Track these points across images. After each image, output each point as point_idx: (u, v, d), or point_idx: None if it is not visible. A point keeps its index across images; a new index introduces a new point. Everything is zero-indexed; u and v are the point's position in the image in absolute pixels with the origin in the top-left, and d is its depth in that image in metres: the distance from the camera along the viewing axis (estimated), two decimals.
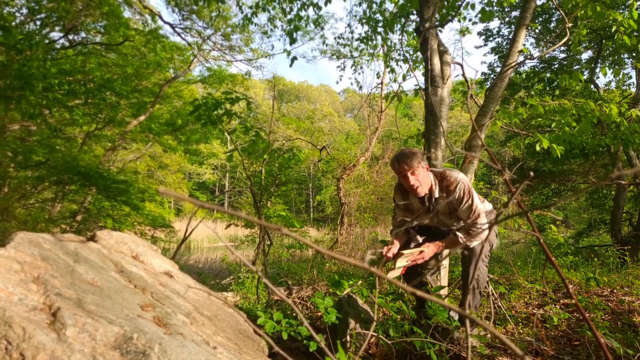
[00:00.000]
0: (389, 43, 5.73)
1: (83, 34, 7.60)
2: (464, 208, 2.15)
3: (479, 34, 9.03)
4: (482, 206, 2.23)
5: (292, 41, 4.87)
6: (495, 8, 4.80)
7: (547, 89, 7.94)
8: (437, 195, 2.18)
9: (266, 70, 51.32)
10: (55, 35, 7.31)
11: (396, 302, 2.30)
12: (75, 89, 5.33)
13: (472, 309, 2.25)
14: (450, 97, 3.32)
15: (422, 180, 2.10)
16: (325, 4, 4.60)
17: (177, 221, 13.65)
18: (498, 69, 7.12)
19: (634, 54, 6.71)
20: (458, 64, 3.24)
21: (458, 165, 3.01)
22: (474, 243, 2.18)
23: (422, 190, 2.13)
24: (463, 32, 5.36)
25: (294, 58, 4.98)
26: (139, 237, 1.86)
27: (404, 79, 5.03)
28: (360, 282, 2.60)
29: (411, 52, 5.45)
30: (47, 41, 6.62)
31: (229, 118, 3.73)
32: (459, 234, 2.18)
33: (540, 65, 8.37)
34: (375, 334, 2.03)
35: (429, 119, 2.96)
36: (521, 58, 3.18)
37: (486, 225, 2.12)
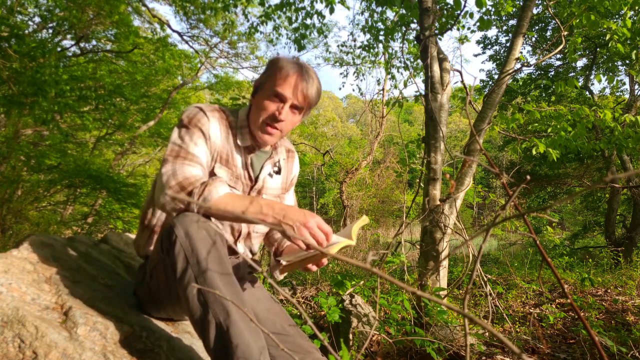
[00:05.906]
0: (390, 51, 5.73)
1: (94, 42, 7.71)
2: (291, 192, 1.39)
3: (478, 42, 9.12)
4: None
5: (300, 48, 4.93)
6: (493, 17, 4.92)
7: (544, 95, 8.03)
8: (283, 158, 1.30)
9: None
10: (67, 43, 7.43)
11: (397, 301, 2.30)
12: (86, 95, 5.42)
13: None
14: (450, 103, 3.29)
15: (289, 126, 1.18)
16: (330, 13, 4.68)
17: None
18: (496, 76, 7.21)
19: (627, 61, 6.75)
20: (457, 71, 3.23)
21: (457, 168, 3.11)
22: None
23: (275, 139, 1.19)
24: (462, 40, 5.40)
25: None
26: None
27: (404, 85, 5.12)
28: (362, 282, 2.60)
29: (412, 60, 5.52)
30: (59, 49, 6.72)
31: None
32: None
33: (537, 73, 8.46)
34: (377, 333, 2.06)
35: (428, 124, 2.98)
36: (518, 65, 3.20)
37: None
